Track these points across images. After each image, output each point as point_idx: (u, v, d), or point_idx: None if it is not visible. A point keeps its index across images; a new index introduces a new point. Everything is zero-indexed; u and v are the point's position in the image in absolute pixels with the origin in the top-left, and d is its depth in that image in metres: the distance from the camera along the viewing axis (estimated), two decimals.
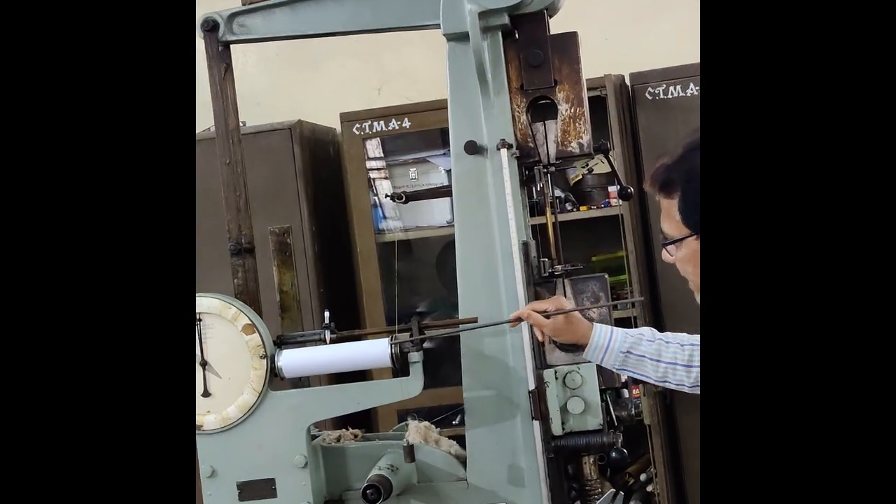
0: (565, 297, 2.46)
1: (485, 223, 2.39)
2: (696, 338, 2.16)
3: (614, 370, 2.27)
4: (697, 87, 3.59)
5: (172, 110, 1.73)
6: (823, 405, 1.41)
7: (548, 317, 2.23)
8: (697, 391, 2.15)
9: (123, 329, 1.63)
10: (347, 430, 2.63)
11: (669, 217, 1.99)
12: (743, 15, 1.48)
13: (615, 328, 2.23)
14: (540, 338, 2.28)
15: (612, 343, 2.20)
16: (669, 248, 2.01)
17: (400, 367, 2.35)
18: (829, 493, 1.39)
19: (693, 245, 1.96)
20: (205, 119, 2.87)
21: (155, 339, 1.65)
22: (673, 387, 2.23)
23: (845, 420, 1.40)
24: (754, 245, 1.45)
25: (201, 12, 2.48)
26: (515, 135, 2.39)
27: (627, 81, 3.76)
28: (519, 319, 2.27)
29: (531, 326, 2.29)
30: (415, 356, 2.34)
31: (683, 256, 1.99)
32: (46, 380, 1.57)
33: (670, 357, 2.17)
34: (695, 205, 1.88)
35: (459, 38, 2.36)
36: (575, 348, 2.30)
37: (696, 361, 2.14)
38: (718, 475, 1.43)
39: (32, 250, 1.59)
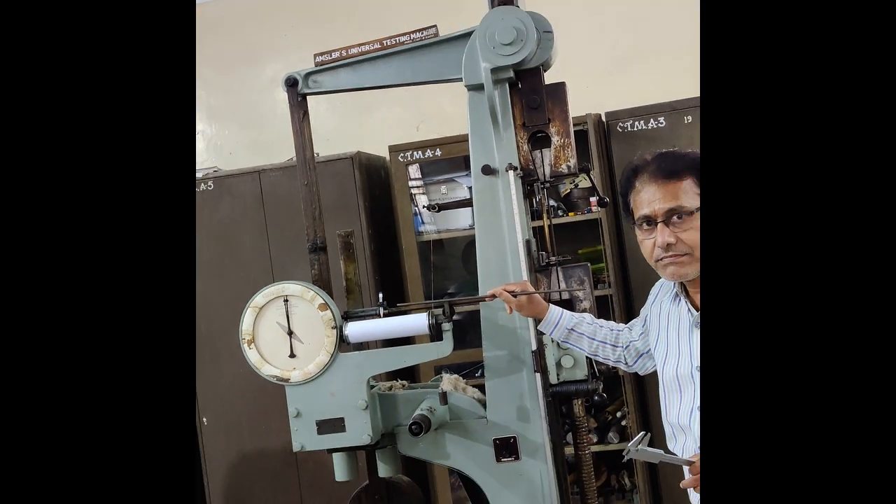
0: (558, 281, 2.45)
1: (497, 226, 2.38)
2: (620, 325, 2.19)
3: (559, 341, 2.25)
4: (658, 122, 3.57)
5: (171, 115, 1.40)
6: (822, 404, 1.15)
7: (515, 295, 2.17)
8: (620, 366, 2.18)
9: (126, 328, 1.33)
10: (397, 381, 2.64)
11: (683, 193, 1.73)
12: (743, 18, 1.22)
13: (564, 310, 2.21)
14: (508, 312, 2.22)
15: (561, 321, 2.18)
16: (679, 223, 1.72)
17: (435, 333, 2.36)
18: (828, 493, 1.13)
19: None
20: (288, 152, 2.90)
21: (155, 340, 1.35)
22: (600, 359, 2.23)
23: (844, 420, 1.14)
24: (755, 245, 1.19)
25: (285, 71, 2.50)
26: (520, 160, 2.38)
27: (603, 118, 3.72)
28: (493, 296, 2.21)
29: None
30: (447, 326, 2.34)
31: (697, 226, 1.70)
32: (45, 381, 1.28)
33: (602, 337, 2.18)
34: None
35: (477, 87, 2.36)
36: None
37: (621, 343, 2.16)
38: (718, 474, 1.19)
39: (31, 250, 1.29)
